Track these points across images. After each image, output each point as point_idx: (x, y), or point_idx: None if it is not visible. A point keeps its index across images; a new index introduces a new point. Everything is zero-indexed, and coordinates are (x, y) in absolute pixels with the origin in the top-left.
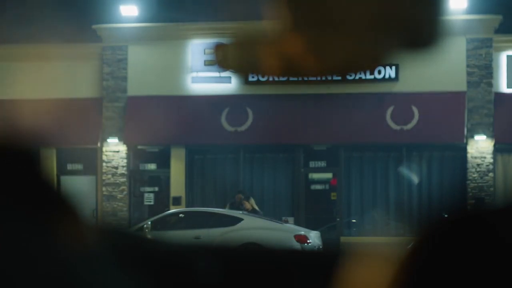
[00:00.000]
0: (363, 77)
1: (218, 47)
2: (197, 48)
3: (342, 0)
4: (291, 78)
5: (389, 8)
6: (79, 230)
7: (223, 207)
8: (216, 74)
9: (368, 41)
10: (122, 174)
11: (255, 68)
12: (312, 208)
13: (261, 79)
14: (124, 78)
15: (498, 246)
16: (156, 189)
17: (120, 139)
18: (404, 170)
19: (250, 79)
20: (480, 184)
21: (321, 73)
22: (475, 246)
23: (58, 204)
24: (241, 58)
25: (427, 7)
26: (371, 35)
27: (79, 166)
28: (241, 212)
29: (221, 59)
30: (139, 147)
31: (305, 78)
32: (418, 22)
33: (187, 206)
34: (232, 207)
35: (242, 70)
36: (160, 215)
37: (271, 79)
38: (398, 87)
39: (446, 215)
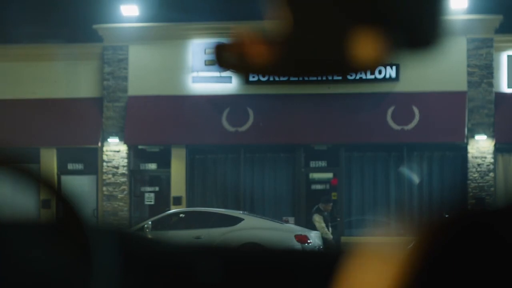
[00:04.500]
0: (364, 77)
1: (218, 47)
2: (197, 48)
3: (343, 0)
4: (291, 78)
5: (390, 8)
6: (80, 230)
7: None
8: (217, 74)
9: (369, 41)
10: (122, 174)
11: (256, 68)
12: (313, 208)
13: (262, 79)
14: (125, 78)
15: (499, 246)
16: (157, 189)
17: (120, 139)
18: (404, 170)
19: (251, 79)
20: (480, 184)
21: (321, 73)
22: (476, 245)
23: (59, 203)
24: (242, 58)
25: (428, 7)
26: (371, 35)
27: (79, 166)
28: (241, 212)
29: (222, 59)
30: (139, 147)
31: (306, 78)
32: (419, 22)
33: (187, 206)
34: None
35: (243, 70)
36: (161, 215)
37: (271, 79)
38: (398, 87)
39: (447, 215)
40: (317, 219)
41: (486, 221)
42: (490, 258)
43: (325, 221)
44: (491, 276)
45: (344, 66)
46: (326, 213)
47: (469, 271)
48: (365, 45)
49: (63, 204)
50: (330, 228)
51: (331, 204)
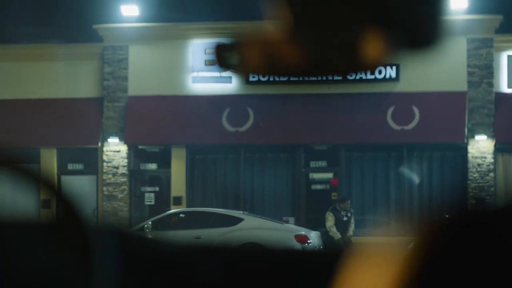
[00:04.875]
0: (364, 77)
1: (218, 47)
2: (197, 48)
3: (344, 0)
4: (291, 78)
5: (390, 8)
6: (80, 230)
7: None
8: (217, 74)
9: (369, 41)
10: (122, 174)
11: (256, 68)
12: (313, 208)
13: (262, 79)
14: (125, 78)
15: (499, 246)
16: (157, 189)
17: (120, 139)
18: (405, 170)
19: (251, 79)
20: (481, 184)
21: (322, 73)
22: (476, 245)
23: (60, 204)
24: (242, 58)
25: (428, 7)
26: (372, 35)
27: (79, 166)
28: (241, 212)
29: (222, 59)
30: (139, 147)
31: (306, 78)
32: (419, 22)
33: (187, 206)
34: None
35: (243, 70)
36: (161, 215)
37: (271, 79)
38: (399, 87)
39: (447, 215)
40: (329, 218)
41: (486, 221)
42: (491, 258)
43: (338, 221)
44: (492, 276)
45: (344, 66)
46: (343, 212)
47: (469, 271)
48: (365, 45)
49: (63, 204)
50: (352, 227)
51: (348, 201)
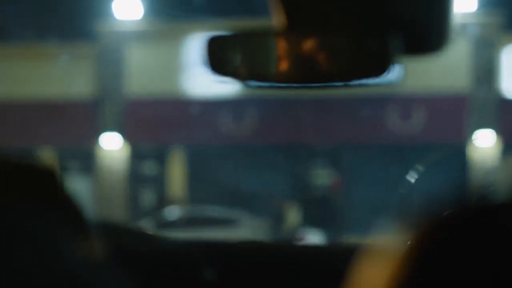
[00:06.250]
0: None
1: (212, 46)
2: (198, 48)
3: (347, 4)
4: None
5: (393, 10)
6: (79, 230)
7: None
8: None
9: (373, 47)
10: (121, 174)
11: (254, 75)
12: (313, 208)
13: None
14: (124, 78)
15: (500, 241)
16: (156, 189)
17: (119, 139)
18: (406, 171)
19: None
20: (483, 185)
21: (324, 80)
22: (476, 242)
23: (60, 203)
24: (240, 64)
25: (432, 10)
26: (376, 39)
27: (78, 166)
28: (241, 212)
29: (218, 64)
30: (139, 147)
31: (308, 84)
32: (422, 23)
33: (187, 206)
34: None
35: (240, 76)
36: (160, 215)
37: (271, 85)
38: (400, 88)
39: (447, 212)
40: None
41: (486, 217)
42: (491, 254)
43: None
44: (492, 271)
45: (347, 73)
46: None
47: (469, 266)
48: (369, 51)
49: (62, 203)
50: (289, 222)
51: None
